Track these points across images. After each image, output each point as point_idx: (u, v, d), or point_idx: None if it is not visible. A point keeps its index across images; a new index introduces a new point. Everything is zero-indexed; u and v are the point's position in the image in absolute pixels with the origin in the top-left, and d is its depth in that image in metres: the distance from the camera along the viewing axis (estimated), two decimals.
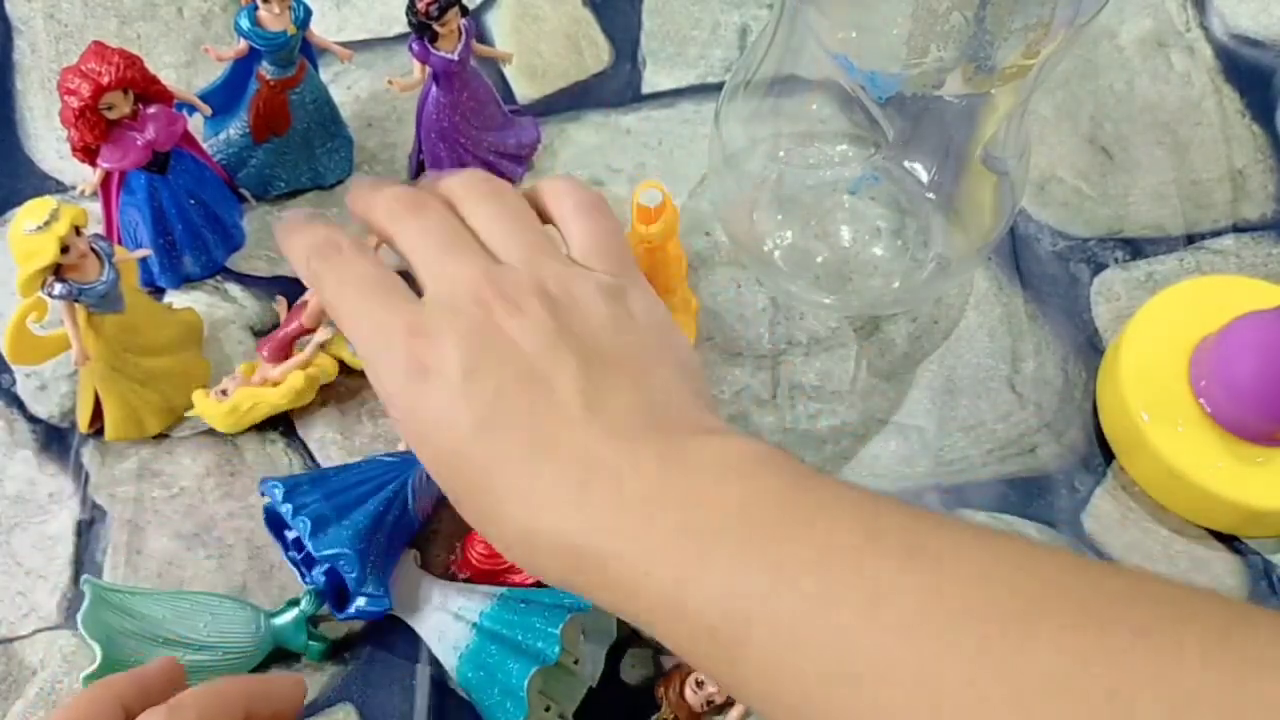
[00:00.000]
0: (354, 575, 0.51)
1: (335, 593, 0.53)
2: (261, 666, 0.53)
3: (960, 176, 0.61)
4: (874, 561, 0.30)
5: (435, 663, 0.54)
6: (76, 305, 0.53)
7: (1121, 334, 0.61)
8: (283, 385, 0.58)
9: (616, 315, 0.39)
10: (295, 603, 0.53)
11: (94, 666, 0.49)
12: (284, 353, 0.59)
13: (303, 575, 0.54)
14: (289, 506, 0.52)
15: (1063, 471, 0.60)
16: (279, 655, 0.54)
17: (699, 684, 0.51)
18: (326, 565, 0.52)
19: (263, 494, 0.54)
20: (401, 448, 0.58)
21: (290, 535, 0.54)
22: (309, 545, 0.51)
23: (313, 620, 0.54)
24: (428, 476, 0.54)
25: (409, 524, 0.54)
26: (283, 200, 0.66)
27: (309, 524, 0.51)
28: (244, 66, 0.62)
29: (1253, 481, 0.56)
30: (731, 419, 0.60)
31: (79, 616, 0.50)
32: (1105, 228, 0.67)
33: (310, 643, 0.53)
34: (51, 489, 0.58)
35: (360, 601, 0.52)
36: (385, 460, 0.55)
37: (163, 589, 0.55)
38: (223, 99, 0.64)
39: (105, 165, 0.57)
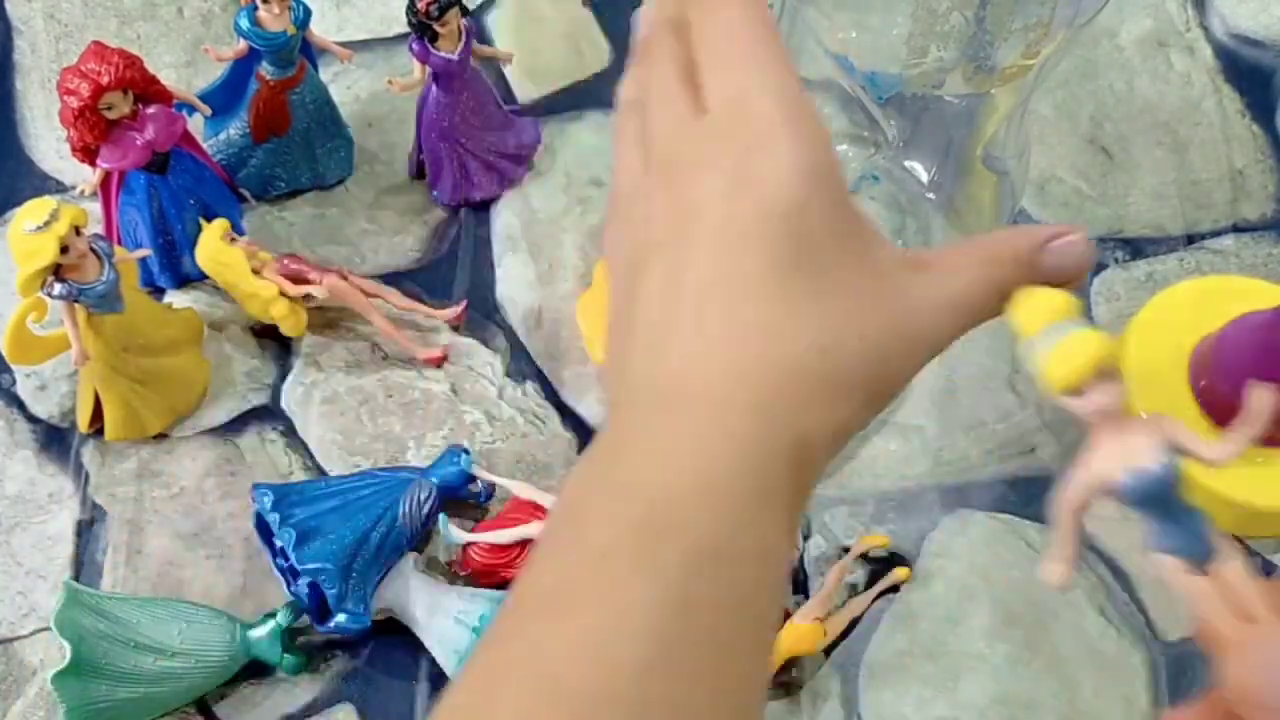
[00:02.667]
0: (334, 591, 0.51)
1: (318, 604, 0.53)
2: (238, 677, 0.53)
3: (960, 177, 0.61)
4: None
5: (435, 663, 0.54)
6: (76, 305, 0.53)
7: (1121, 334, 0.61)
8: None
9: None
10: (273, 615, 0.53)
11: (63, 666, 0.49)
12: (294, 280, 0.60)
13: (288, 584, 0.54)
14: (276, 516, 0.52)
15: (1063, 471, 0.60)
16: (255, 666, 0.53)
17: None
18: (309, 578, 0.52)
19: (253, 499, 0.54)
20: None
21: (279, 543, 0.54)
22: (292, 557, 0.52)
23: (293, 631, 0.53)
24: (422, 495, 0.54)
25: (398, 541, 0.54)
26: (283, 200, 0.66)
27: (294, 536, 0.51)
28: (244, 66, 0.62)
29: (1253, 481, 0.56)
30: None
31: (52, 616, 0.50)
32: (1105, 228, 0.67)
33: (285, 656, 0.53)
34: (51, 489, 0.58)
35: (340, 618, 0.52)
36: (379, 475, 0.55)
37: (162, 588, 0.55)
38: (223, 99, 0.64)
39: (105, 165, 0.57)
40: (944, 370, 0.62)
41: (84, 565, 0.56)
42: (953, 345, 0.31)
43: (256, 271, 0.59)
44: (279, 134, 0.63)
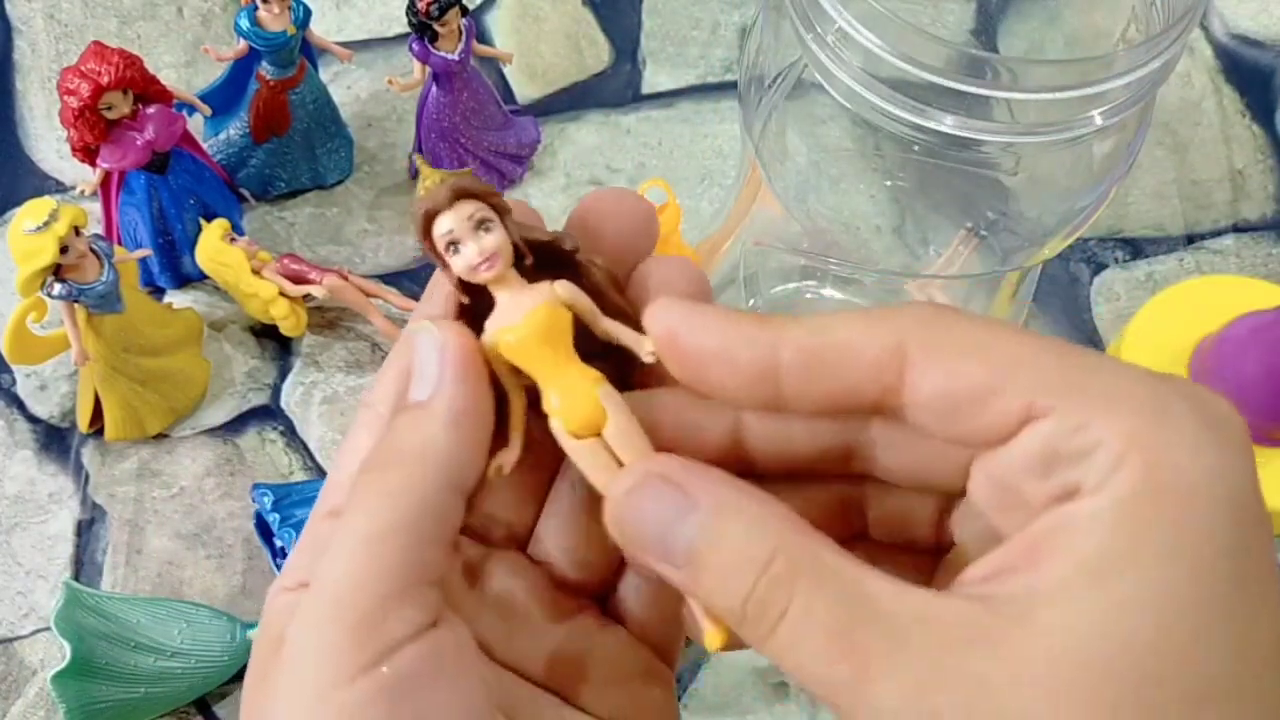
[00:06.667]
0: None
1: None
2: (237, 677, 0.53)
3: None
4: None
5: None
6: (76, 305, 0.53)
7: (1121, 334, 0.61)
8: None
9: None
10: None
11: (62, 666, 0.49)
12: (294, 280, 0.60)
13: None
14: (276, 516, 0.52)
15: None
16: None
17: None
18: None
19: (253, 499, 0.54)
20: None
21: (279, 543, 0.54)
22: None
23: None
24: None
25: None
26: (283, 200, 0.66)
27: (294, 536, 0.51)
28: (244, 66, 0.62)
29: None
30: None
31: (52, 615, 0.50)
32: (1105, 228, 0.67)
33: None
34: (51, 489, 0.58)
35: None
36: None
37: (162, 588, 0.55)
38: (223, 99, 0.64)
39: (105, 165, 0.57)
40: None
41: (84, 565, 0.56)
42: None
43: (256, 271, 0.59)
44: (279, 134, 0.63)
